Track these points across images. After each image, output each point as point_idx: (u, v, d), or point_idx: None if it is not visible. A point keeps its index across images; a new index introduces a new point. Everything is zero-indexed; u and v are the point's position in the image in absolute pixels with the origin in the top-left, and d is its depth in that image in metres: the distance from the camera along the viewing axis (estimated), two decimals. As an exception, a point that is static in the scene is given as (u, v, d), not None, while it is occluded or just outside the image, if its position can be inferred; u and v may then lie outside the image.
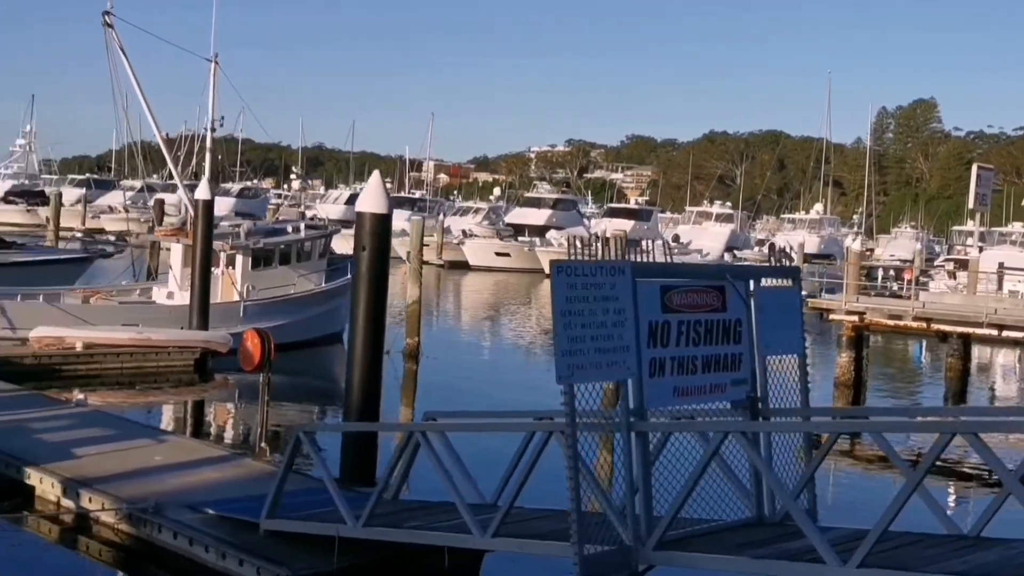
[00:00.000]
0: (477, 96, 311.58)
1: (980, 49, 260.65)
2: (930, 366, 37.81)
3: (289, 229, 30.08)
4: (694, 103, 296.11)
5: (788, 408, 10.13)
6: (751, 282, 10.05)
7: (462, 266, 70.08)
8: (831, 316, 29.43)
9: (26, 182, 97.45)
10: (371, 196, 13.98)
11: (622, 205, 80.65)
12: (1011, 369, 40.45)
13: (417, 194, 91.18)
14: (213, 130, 28.81)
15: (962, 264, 55.48)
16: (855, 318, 28.85)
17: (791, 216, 78.42)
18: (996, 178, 46.37)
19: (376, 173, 14.26)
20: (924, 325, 28.17)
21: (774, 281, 10.54)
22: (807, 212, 78.02)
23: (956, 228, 72.29)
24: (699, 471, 8.58)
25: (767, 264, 10.78)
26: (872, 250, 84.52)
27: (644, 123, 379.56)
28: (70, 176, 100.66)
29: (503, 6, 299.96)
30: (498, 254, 69.23)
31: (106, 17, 26.67)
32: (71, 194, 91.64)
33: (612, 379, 8.93)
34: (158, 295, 29.02)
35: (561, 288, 8.50)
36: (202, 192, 26.10)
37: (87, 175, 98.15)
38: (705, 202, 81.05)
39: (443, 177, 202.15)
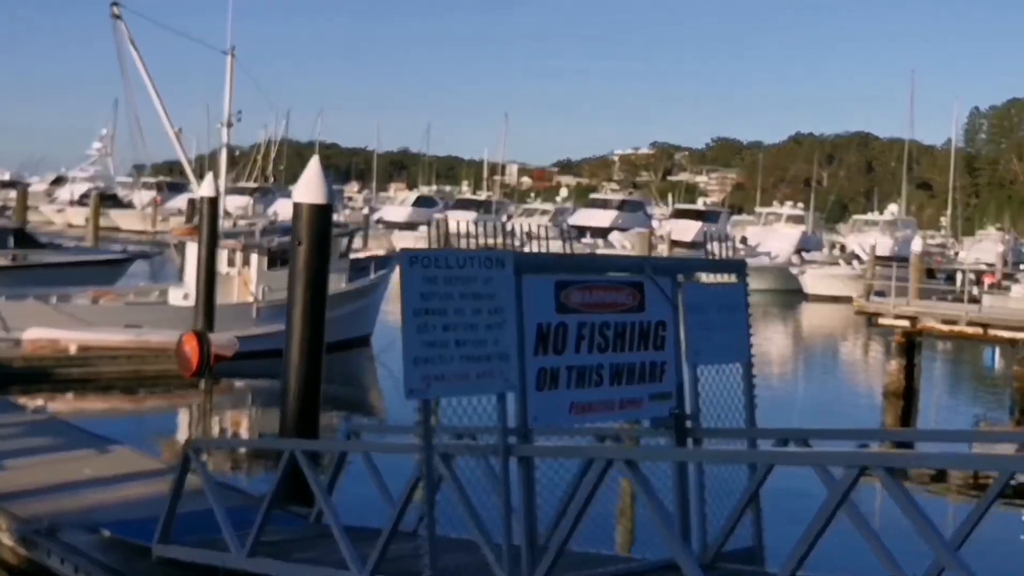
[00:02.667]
0: (561, 99, 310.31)
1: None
2: (1003, 374, 35.54)
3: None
4: (781, 104, 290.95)
5: (727, 428, 8.58)
6: (679, 277, 8.52)
7: (524, 269, 68.64)
8: (880, 320, 27.45)
9: (101, 184, 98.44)
10: (308, 185, 12.67)
11: (689, 206, 78.53)
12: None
13: (483, 196, 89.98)
14: (230, 125, 27.80)
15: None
16: (906, 323, 26.86)
17: (864, 218, 75.56)
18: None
19: (315, 159, 12.96)
20: (980, 331, 26.06)
21: (716, 277, 9.00)
22: (878, 213, 75.12)
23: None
24: (581, 505, 7.07)
25: (710, 258, 9.06)
26: (956, 253, 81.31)
27: (729, 125, 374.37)
28: (143, 179, 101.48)
29: (588, 9, 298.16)
30: (561, 256, 67.64)
31: (114, 8, 25.81)
32: (143, 197, 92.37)
33: (483, 392, 7.46)
34: (174, 296, 28.14)
35: (414, 282, 7.06)
36: (207, 189, 25.09)
37: (159, 178, 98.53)
38: (775, 203, 78.58)
39: (526, 180, 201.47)
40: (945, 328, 26.63)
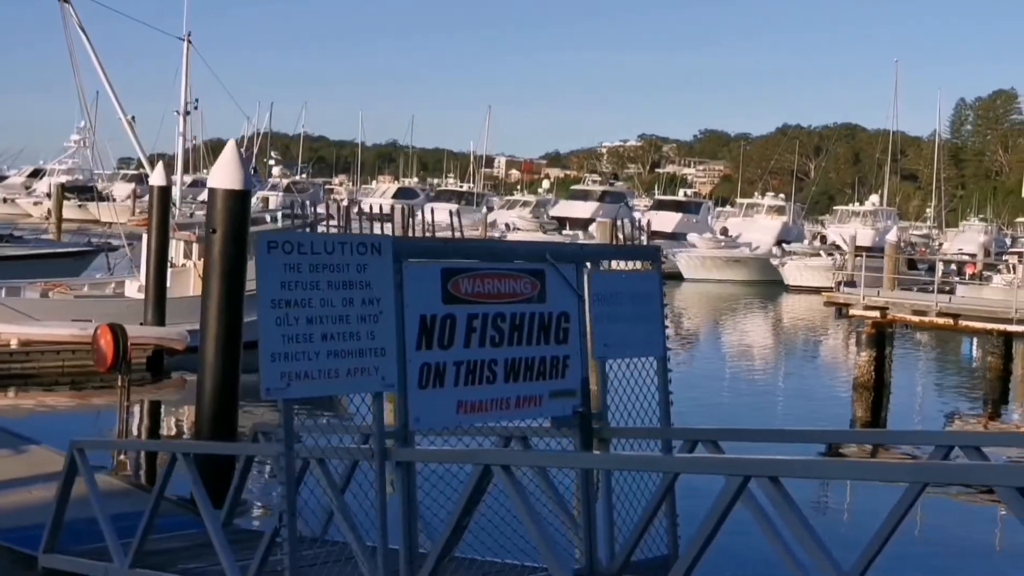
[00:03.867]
0: (549, 92, 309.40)
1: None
2: (981, 366, 34.96)
3: (267, 219, 28.25)
4: (768, 96, 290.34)
5: (637, 428, 7.94)
6: (585, 265, 7.86)
7: (505, 260, 67.98)
8: (851, 312, 26.84)
9: (80, 177, 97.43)
10: (223, 170, 11.96)
11: (669, 197, 77.94)
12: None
13: (464, 187, 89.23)
14: (187, 113, 27.06)
15: (1026, 257, 52.13)
16: (876, 314, 26.26)
17: (845, 208, 75.10)
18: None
19: (231, 143, 12.27)
20: (951, 322, 25.47)
21: (627, 265, 8.34)
22: (862, 204, 74.64)
23: (1018, 220, 68.56)
24: (459, 511, 6.41)
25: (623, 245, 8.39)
26: (941, 244, 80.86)
27: (717, 117, 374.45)
28: (122, 172, 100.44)
29: (575, 1, 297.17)
30: (541, 247, 67.07)
31: (59, -8, 25.06)
32: (123, 189, 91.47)
33: (356, 391, 6.81)
34: (130, 289, 27.40)
35: (272, 269, 6.39)
36: (157, 178, 24.35)
37: (139, 171, 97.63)
38: (756, 194, 78.08)
39: (515, 173, 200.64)
40: (915, 319, 26.05)
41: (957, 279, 48.97)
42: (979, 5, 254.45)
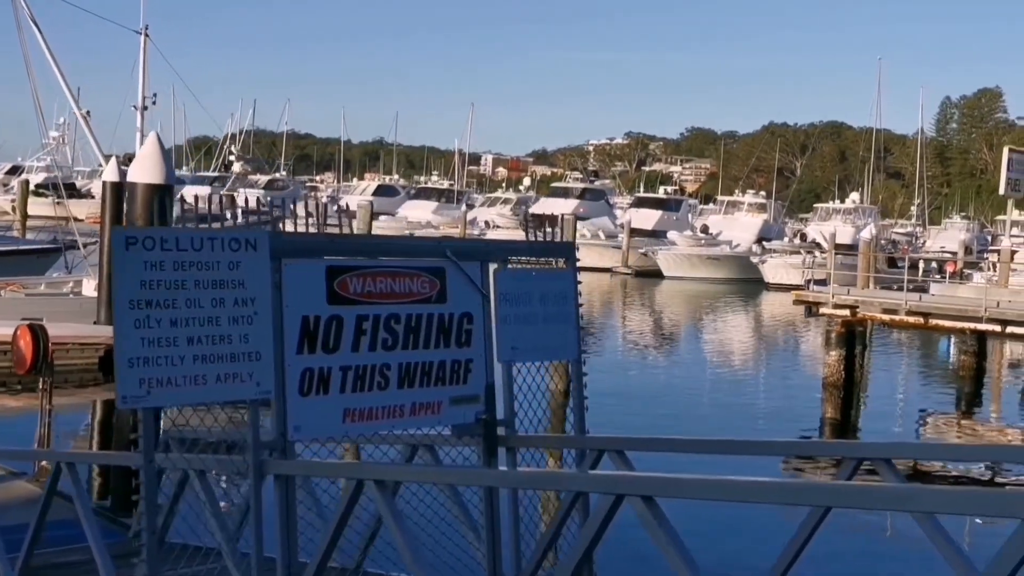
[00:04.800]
0: (537, 90, 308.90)
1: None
2: (958, 364, 34.57)
3: (228, 215, 27.60)
4: (755, 95, 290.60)
5: (546, 436, 7.47)
6: (491, 263, 7.37)
7: (483, 258, 67.48)
8: (820, 310, 26.41)
9: (57, 174, 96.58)
10: (144, 164, 11.47)
11: (650, 195, 77.51)
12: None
13: (444, 184, 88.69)
14: (145, 108, 26.43)
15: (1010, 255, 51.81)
16: (847, 312, 25.85)
17: (826, 206, 74.73)
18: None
19: (153, 135, 11.77)
20: (921, 320, 25.07)
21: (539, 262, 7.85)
22: (843, 202, 74.32)
23: (999, 218, 68.27)
24: (332, 527, 5.92)
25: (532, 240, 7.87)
26: (924, 242, 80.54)
27: (704, 115, 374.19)
28: (101, 168, 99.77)
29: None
30: (520, 246, 66.63)
31: (11, -16, 24.44)
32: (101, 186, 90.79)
33: (227, 399, 6.31)
34: (87, 287, 26.83)
35: (131, 267, 5.87)
36: (110, 174, 23.74)
37: (120, 167, 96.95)
38: (737, 191, 77.70)
39: (501, 171, 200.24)
40: (886, 317, 25.64)
41: (938, 277, 48.77)
42: (964, 4, 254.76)
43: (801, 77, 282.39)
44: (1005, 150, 39.25)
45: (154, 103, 26.41)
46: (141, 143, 27.03)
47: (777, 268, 58.25)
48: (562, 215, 9.50)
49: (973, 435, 25.04)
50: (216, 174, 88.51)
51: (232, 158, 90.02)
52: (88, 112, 26.12)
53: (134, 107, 26.52)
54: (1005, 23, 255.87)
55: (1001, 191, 39.14)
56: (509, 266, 7.55)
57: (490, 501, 7.10)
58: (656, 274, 62.45)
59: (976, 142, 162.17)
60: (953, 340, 36.03)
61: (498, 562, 7.16)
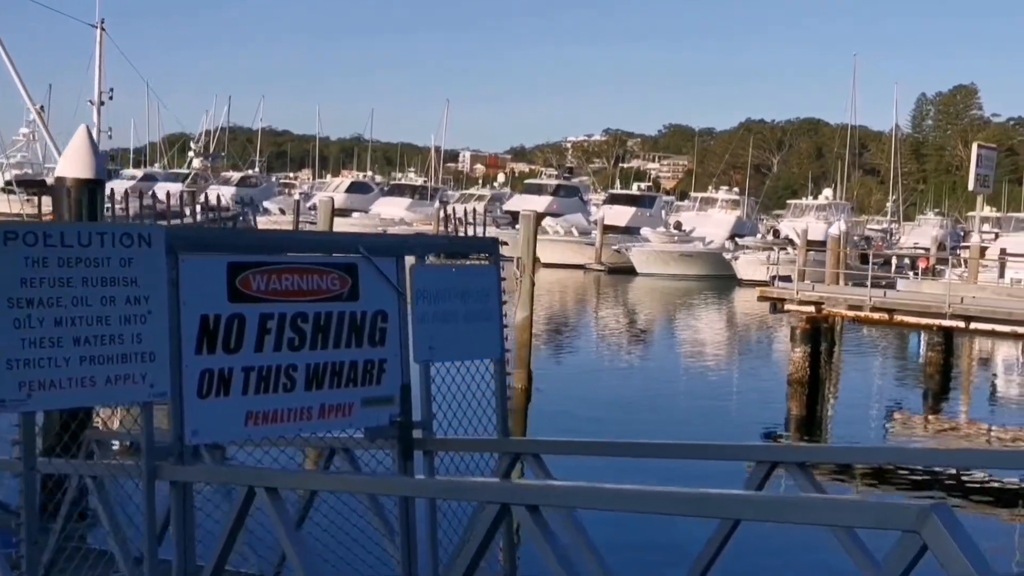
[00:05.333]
0: (515, 87, 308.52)
1: (1022, 32, 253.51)
2: (925, 360, 34.49)
3: (187, 213, 27.30)
4: (732, 92, 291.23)
5: (465, 439, 7.19)
6: (406, 259, 7.10)
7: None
8: (786, 307, 26.24)
9: (29, 172, 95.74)
10: (74, 157, 11.14)
11: (623, 191, 77.33)
12: (1013, 363, 37.03)
13: (418, 181, 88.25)
14: (101, 103, 26.09)
15: (980, 251, 51.94)
16: (811, 308, 25.69)
17: (798, 202, 74.73)
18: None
19: (82, 128, 11.44)
20: (886, 316, 24.93)
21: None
22: (815, 198, 74.35)
23: (970, 214, 68.43)
24: (225, 534, 5.65)
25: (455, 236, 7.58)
26: (899, 238, 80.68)
27: (682, 112, 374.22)
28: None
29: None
30: (494, 242, 66.37)
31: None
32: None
33: (118, 402, 6.05)
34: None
35: (10, 264, 5.56)
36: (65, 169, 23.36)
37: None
38: (711, 188, 77.60)
39: (480, 167, 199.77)
40: (850, 314, 25.49)
41: (910, 273, 48.77)
42: (940, 1, 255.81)
43: (779, 74, 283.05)
44: (974, 146, 39.27)
45: (111, 98, 26.10)
46: (97, 138, 26.70)
47: (750, 264, 58.15)
48: (474, 209, 9.20)
49: (939, 432, 24.94)
50: (188, 171, 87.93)
51: (192, 154, 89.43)
52: (42, 107, 25.73)
53: (90, 102, 26.22)
54: (981, 20, 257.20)
55: (970, 187, 39.15)
56: (428, 262, 7.28)
57: (405, 507, 6.84)
58: (629, 271, 62.28)
59: (952, 139, 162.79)
60: (923, 336, 36.01)
61: (414, 570, 6.90)
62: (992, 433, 24.24)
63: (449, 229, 7.59)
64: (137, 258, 5.96)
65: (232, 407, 6.27)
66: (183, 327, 6.10)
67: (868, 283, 25.54)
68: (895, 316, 24.80)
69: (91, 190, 11.16)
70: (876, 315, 24.85)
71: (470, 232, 13.77)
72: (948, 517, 3.22)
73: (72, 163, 11.06)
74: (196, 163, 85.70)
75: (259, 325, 6.39)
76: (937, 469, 16.81)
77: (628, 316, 47.77)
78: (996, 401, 29.81)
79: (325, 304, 6.67)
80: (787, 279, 28.23)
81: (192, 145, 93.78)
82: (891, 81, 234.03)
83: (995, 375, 35.48)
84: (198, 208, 27.30)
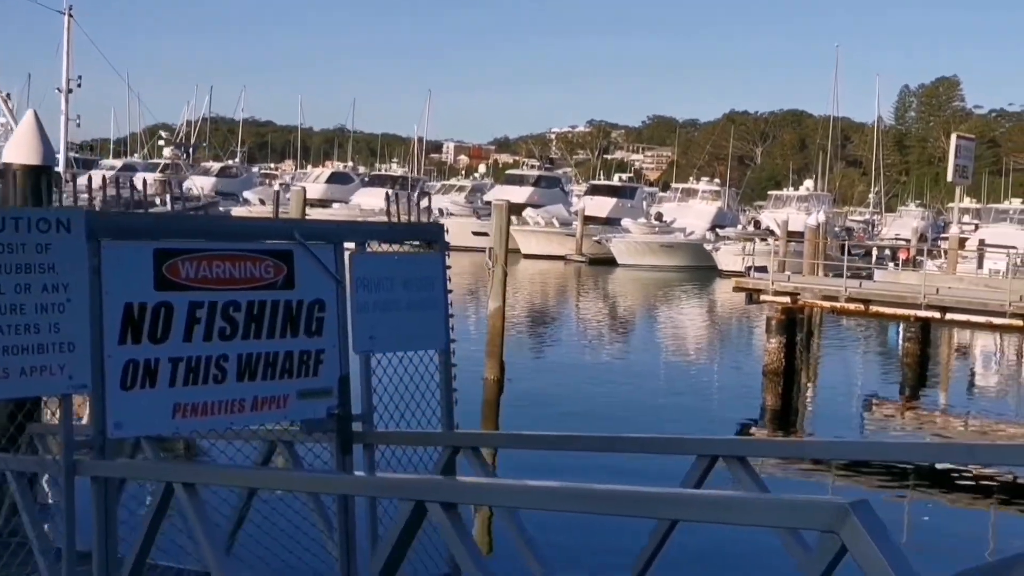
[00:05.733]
0: (499, 78, 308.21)
1: (1004, 24, 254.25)
2: (902, 351, 34.38)
3: (158, 202, 27.01)
4: (716, 83, 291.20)
5: (406, 432, 6.96)
6: (346, 246, 6.86)
7: (439, 246, 66.80)
8: (761, 298, 26.07)
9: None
10: (20, 143, 10.86)
11: (604, 182, 77.14)
12: (990, 354, 37.01)
13: (399, 172, 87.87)
14: (69, 91, 25.73)
15: (961, 243, 52.00)
16: (787, 299, 25.53)
17: (779, 193, 74.67)
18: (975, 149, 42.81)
19: (30, 112, 11.17)
20: (861, 307, 24.79)
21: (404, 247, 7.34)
22: (796, 189, 74.26)
23: (949, 205, 68.56)
24: (144, 531, 5.41)
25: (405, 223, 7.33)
26: (881, 229, 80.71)
27: (666, 104, 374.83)
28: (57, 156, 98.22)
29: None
30: (475, 233, 66.12)
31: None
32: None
33: (32, 393, 5.81)
34: None
35: (-84, 251, 5.34)
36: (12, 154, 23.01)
37: (72, 154, 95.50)
38: (692, 179, 77.48)
39: (464, 158, 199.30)
40: (826, 304, 25.34)
41: (891, 264, 48.74)
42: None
43: (763, 66, 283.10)
44: (953, 137, 39.24)
45: (79, 86, 25.70)
46: (66, 127, 26.38)
47: (730, 255, 57.99)
48: (408, 195, 8.95)
49: (915, 422, 24.85)
50: (168, 161, 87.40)
51: (161, 143, 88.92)
52: (8, 95, 25.35)
53: (58, 90, 25.84)
54: (963, 12, 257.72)
55: (949, 178, 39.13)
56: (369, 249, 7.05)
57: (344, 504, 6.61)
58: (610, 262, 62.13)
59: (934, 130, 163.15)
60: (902, 327, 35.93)
61: (353, 567, 6.68)
62: (968, 424, 24.17)
63: (393, 215, 7.33)
64: (56, 244, 5.72)
65: (158, 399, 6.04)
66: (106, 316, 5.86)
67: (844, 273, 25.36)
68: (870, 307, 24.66)
69: (37, 176, 10.88)
70: (851, 306, 24.71)
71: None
72: (868, 516, 3.02)
73: (19, 149, 10.78)
74: (167, 152, 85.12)
75: (188, 314, 6.16)
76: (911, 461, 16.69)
77: (607, 307, 47.60)
78: (973, 392, 29.76)
79: (259, 292, 6.44)
80: (763, 270, 28.06)
81: (163, 134, 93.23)
82: (873, 73, 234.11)
83: (973, 366, 35.45)
84: (168, 198, 27.02)
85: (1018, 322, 22.56)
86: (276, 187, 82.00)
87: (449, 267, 7.30)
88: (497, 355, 22.54)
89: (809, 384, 28.21)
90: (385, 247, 7.21)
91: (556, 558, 5.63)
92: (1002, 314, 22.60)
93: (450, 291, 7.30)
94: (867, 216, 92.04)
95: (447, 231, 7.32)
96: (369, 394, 6.91)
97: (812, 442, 14.57)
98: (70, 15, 25.41)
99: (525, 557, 5.65)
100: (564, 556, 9.23)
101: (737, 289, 26.40)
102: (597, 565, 9.58)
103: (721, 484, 5.40)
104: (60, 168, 24.40)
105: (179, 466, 5.66)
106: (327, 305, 6.70)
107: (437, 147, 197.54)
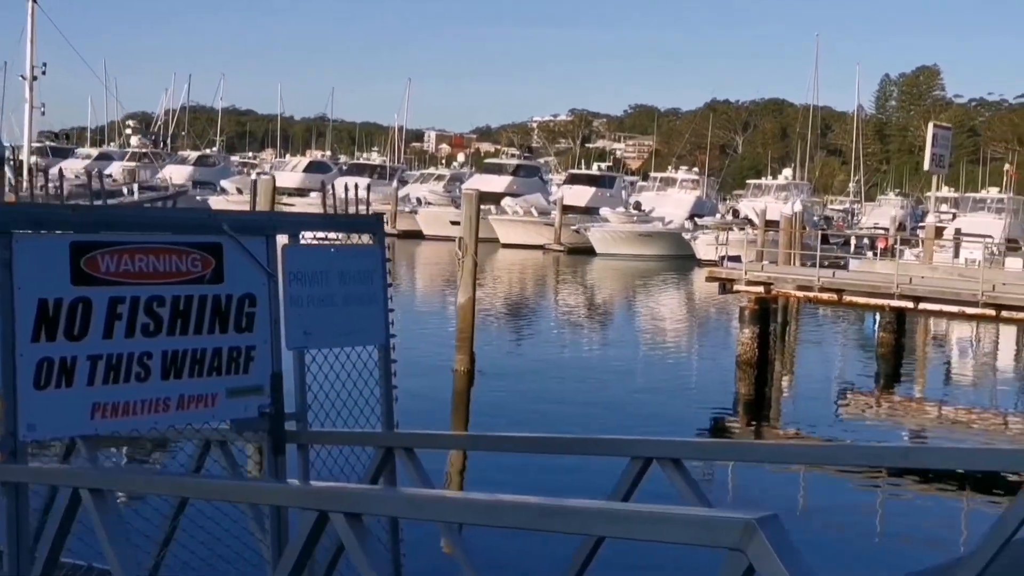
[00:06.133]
0: (481, 66, 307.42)
1: (983, 14, 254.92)
2: (879, 341, 34.27)
3: (125, 192, 26.65)
4: (698, 72, 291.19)
5: (340, 431, 6.72)
6: (278, 238, 6.60)
7: (416, 235, 66.57)
8: (734, 287, 25.88)
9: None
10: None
11: (583, 171, 76.91)
12: (966, 344, 36.97)
13: (377, 160, 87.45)
14: (34, 78, 25.35)
15: (939, 232, 52.01)
16: (760, 289, 25.36)
17: (758, 182, 74.59)
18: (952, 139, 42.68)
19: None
20: (835, 296, 24.64)
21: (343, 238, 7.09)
22: (774, 178, 74.18)
23: (927, 194, 68.60)
24: (52, 537, 5.15)
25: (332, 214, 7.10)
26: (860, 218, 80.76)
27: (647, 92, 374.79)
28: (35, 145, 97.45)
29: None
30: (453, 223, 65.84)
31: None
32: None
33: (-65, 394, 5.52)
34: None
35: None
36: (-10, 147, 22.67)
37: (45, 143, 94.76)
38: (670, 168, 77.32)
39: (445, 147, 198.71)
40: (800, 294, 25.18)
41: (869, 253, 48.67)
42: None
43: (744, 55, 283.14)
44: (930, 126, 39.15)
45: (43, 72, 25.33)
46: (30, 115, 25.97)
47: (709, 245, 57.85)
48: (356, 185, 8.72)
49: (890, 412, 24.73)
50: (145, 150, 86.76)
51: (128, 131, 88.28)
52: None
53: (21, 77, 25.48)
54: (943, 1, 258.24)
55: (926, 166, 39.07)
56: (303, 242, 6.79)
57: (276, 510, 6.36)
58: (589, 251, 61.94)
59: (915, 119, 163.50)
60: (878, 317, 35.85)
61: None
62: (942, 413, 24.07)
63: (328, 207, 7.10)
64: (-37, 238, 5.45)
65: (75, 399, 5.78)
66: (18, 313, 5.60)
67: (817, 263, 25.20)
68: (844, 296, 24.51)
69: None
70: (825, 295, 24.56)
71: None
72: (777, 532, 2.79)
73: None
74: (135, 141, 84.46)
75: (108, 310, 5.89)
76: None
77: (585, 297, 47.39)
78: (948, 381, 29.68)
79: (185, 287, 6.18)
80: (736, 259, 27.87)
81: (131, 123, 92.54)
82: (854, 61, 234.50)
83: (949, 355, 35.40)
84: (136, 187, 26.67)
85: (991, 311, 22.45)
86: (254, 176, 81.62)
87: (389, 260, 7.05)
88: (468, 348, 22.30)
89: (784, 374, 28.08)
90: (322, 238, 6.95)
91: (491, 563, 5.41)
92: (975, 304, 22.48)
93: (390, 284, 7.05)
94: (847, 205, 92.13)
95: (387, 222, 7.07)
96: (303, 392, 6.67)
97: (739, 444, 14.34)
98: (34, 1, 25.01)
99: (460, 563, 5.44)
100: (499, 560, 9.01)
101: (710, 279, 26.22)
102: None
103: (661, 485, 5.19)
104: (24, 156, 24.01)
105: (87, 472, 5.38)
106: (258, 299, 6.45)
107: (418, 136, 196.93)
